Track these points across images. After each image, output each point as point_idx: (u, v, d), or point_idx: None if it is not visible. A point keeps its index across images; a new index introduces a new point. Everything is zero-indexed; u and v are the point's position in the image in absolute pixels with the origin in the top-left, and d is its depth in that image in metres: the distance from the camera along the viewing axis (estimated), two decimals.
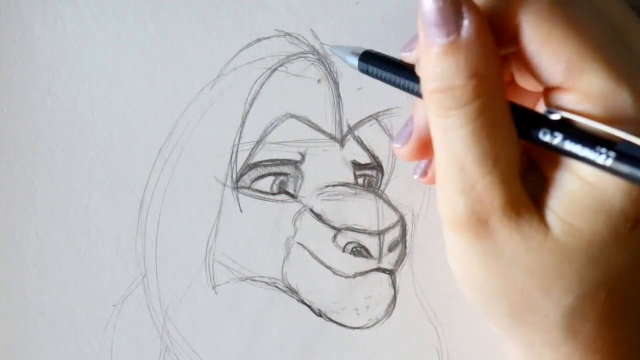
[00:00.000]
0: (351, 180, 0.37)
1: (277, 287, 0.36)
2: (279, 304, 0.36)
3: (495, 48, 0.25)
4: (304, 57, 0.37)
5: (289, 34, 0.37)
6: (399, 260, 0.37)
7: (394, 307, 0.37)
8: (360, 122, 0.37)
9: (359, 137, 0.37)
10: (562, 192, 0.25)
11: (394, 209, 0.37)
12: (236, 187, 0.36)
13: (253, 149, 0.36)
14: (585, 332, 0.27)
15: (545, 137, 0.25)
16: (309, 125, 0.37)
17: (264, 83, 0.36)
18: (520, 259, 0.26)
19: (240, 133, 0.36)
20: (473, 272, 0.27)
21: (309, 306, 0.37)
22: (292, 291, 0.36)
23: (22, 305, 0.35)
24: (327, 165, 0.37)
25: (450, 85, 0.25)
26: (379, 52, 0.32)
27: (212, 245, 0.36)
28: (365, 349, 0.37)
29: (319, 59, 0.37)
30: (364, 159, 0.37)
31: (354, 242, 0.36)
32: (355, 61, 0.32)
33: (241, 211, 0.36)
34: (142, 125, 0.36)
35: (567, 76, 0.24)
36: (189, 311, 0.36)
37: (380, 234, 0.37)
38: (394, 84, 0.31)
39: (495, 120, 0.25)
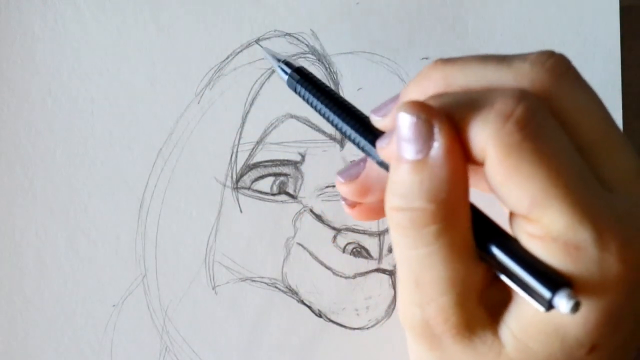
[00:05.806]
0: None
1: (277, 287, 0.36)
2: (279, 304, 0.36)
3: (465, 173, 0.24)
4: (304, 57, 0.36)
5: (289, 34, 0.36)
6: None
7: (394, 308, 0.37)
8: None
9: None
10: (520, 312, 0.25)
11: None
12: (236, 188, 0.36)
13: (253, 149, 0.36)
14: None
15: (498, 255, 0.24)
16: (309, 126, 0.36)
17: (264, 83, 0.36)
18: None
19: (240, 133, 0.36)
20: None
21: (309, 307, 0.36)
22: (292, 292, 0.36)
23: (22, 305, 0.35)
24: (327, 165, 0.36)
25: (410, 206, 0.24)
26: (312, 75, 0.31)
27: (212, 246, 0.36)
28: (365, 349, 0.37)
29: (319, 59, 0.36)
30: None
31: (354, 242, 0.36)
32: (284, 75, 0.31)
33: (241, 212, 0.36)
34: (142, 125, 0.36)
35: (531, 210, 0.23)
36: (189, 311, 0.36)
37: (380, 234, 0.36)
38: (328, 119, 0.30)
39: (453, 246, 0.24)
